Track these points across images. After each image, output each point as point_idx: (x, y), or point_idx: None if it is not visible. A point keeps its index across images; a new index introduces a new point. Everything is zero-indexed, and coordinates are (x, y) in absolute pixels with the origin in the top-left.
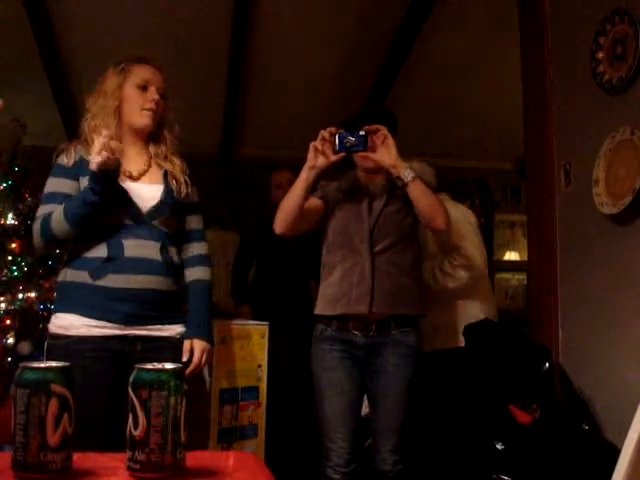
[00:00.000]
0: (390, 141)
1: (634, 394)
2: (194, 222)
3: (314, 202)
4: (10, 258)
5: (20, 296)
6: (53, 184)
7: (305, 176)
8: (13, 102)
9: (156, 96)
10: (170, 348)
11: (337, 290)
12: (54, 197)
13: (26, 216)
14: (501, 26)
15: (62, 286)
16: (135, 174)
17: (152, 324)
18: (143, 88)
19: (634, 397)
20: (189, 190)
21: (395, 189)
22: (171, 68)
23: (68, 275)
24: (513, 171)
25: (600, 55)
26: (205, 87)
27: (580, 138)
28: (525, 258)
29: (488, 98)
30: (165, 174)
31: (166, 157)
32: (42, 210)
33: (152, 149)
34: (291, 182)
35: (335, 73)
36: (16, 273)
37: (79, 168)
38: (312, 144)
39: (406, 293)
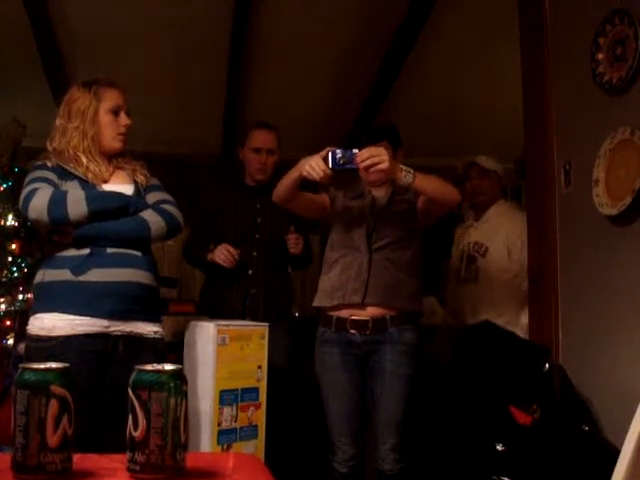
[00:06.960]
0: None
1: (634, 395)
2: (154, 197)
3: (322, 197)
4: (10, 259)
5: (20, 297)
6: (40, 173)
7: (294, 176)
8: (13, 103)
9: (128, 121)
10: (150, 349)
11: (335, 283)
12: (44, 180)
13: (26, 217)
14: (501, 26)
15: (41, 287)
16: (105, 177)
17: (134, 319)
18: (115, 113)
19: (634, 398)
20: (151, 180)
21: (397, 195)
22: (171, 68)
23: (47, 275)
24: (513, 171)
25: (600, 56)
26: (205, 87)
27: (580, 138)
28: None
29: (488, 98)
30: (130, 174)
31: (126, 162)
32: (35, 185)
33: (113, 160)
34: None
35: (335, 74)
36: (16, 274)
37: (59, 172)
38: (303, 162)
39: (401, 288)
